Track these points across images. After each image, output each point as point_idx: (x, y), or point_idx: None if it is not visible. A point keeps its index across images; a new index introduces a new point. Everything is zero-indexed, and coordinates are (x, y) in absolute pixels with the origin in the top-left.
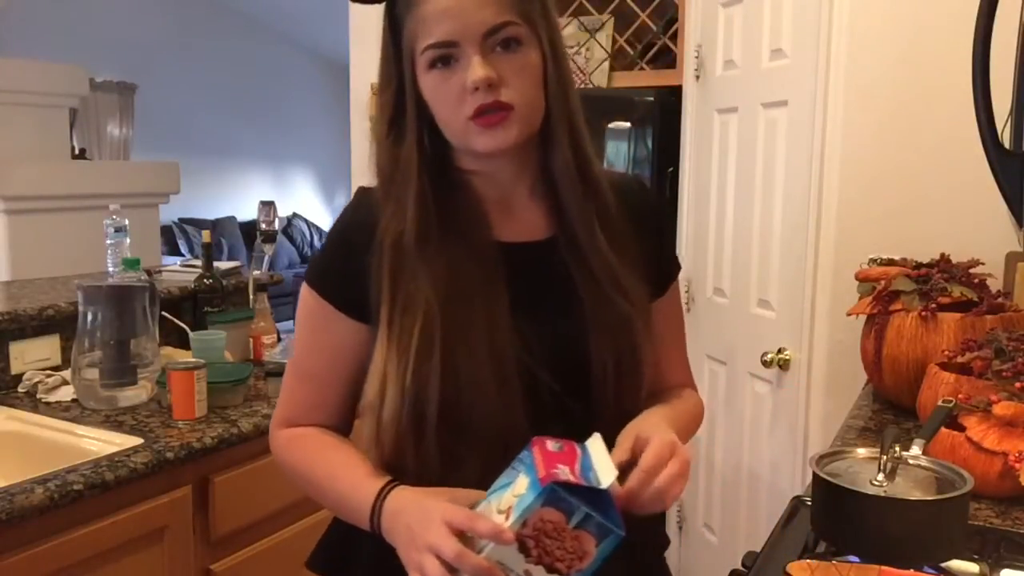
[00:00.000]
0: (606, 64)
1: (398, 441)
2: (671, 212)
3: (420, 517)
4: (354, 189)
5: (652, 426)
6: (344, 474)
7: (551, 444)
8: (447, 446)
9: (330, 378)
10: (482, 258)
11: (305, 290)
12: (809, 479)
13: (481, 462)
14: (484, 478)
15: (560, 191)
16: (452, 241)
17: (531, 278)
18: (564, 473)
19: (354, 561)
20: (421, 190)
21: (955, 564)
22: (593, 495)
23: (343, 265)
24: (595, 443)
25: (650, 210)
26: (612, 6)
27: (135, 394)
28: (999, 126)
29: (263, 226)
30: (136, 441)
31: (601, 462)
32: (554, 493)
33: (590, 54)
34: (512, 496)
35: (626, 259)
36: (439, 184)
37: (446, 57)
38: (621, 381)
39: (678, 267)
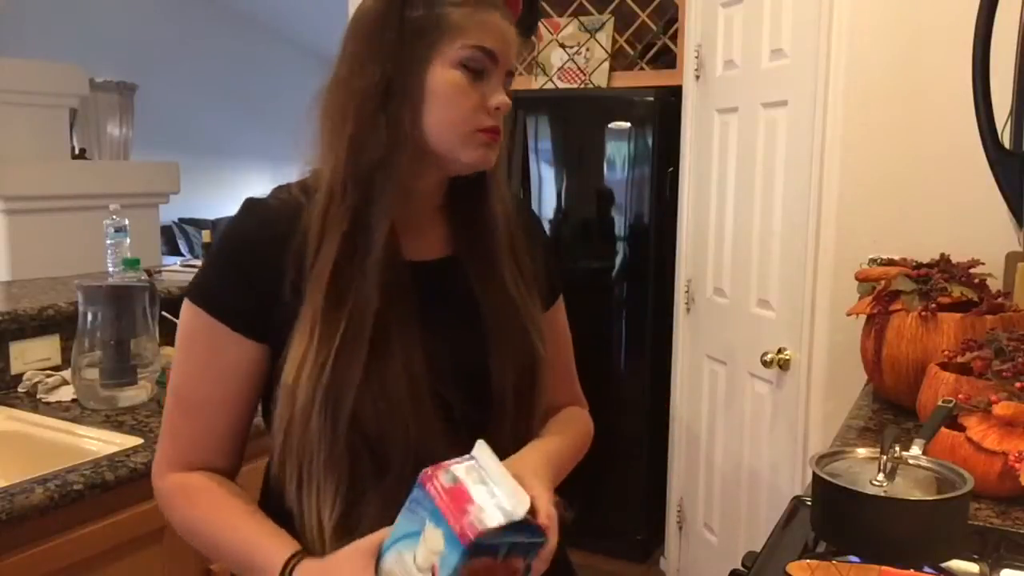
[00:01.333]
0: (606, 64)
1: (307, 433)
2: (671, 212)
3: None
4: None
5: (533, 475)
6: (246, 541)
7: (442, 478)
8: (357, 452)
9: (220, 407)
10: (398, 275)
11: (190, 310)
12: (809, 479)
13: (394, 478)
14: (396, 494)
15: (479, 212)
16: (383, 251)
17: (433, 296)
18: (478, 520)
19: None
20: (392, 192)
21: (955, 564)
22: (511, 524)
23: (239, 280)
24: (483, 453)
25: (537, 228)
26: (612, 6)
27: (135, 394)
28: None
29: None
30: (136, 441)
31: (500, 479)
32: (478, 547)
33: (590, 54)
34: (430, 552)
35: (525, 276)
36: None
37: (478, 66)
38: (521, 394)
39: (562, 284)
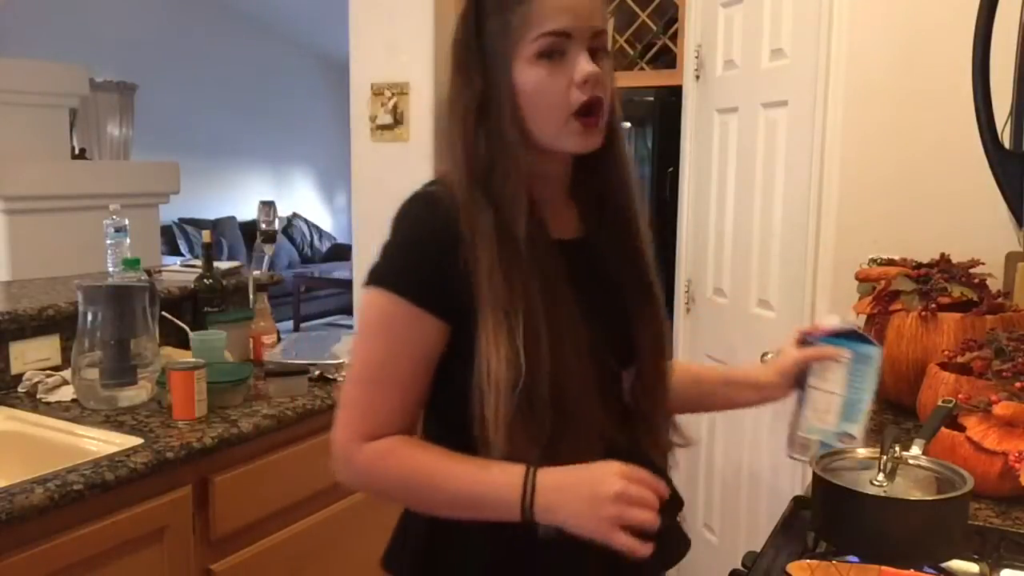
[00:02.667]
0: None
1: (511, 421)
2: (671, 212)
3: (594, 476)
4: (355, 189)
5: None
6: (469, 472)
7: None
8: (551, 426)
9: (414, 382)
10: (551, 255)
11: (382, 296)
12: (809, 479)
13: (574, 439)
14: (576, 455)
15: (610, 193)
16: (535, 236)
17: (579, 272)
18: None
19: (465, 566)
20: (519, 187)
21: (955, 564)
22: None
23: (430, 267)
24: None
25: None
26: (612, 6)
27: (135, 394)
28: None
29: (263, 226)
30: (136, 441)
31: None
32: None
33: None
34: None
35: (646, 252)
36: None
37: (555, 49)
38: (658, 357)
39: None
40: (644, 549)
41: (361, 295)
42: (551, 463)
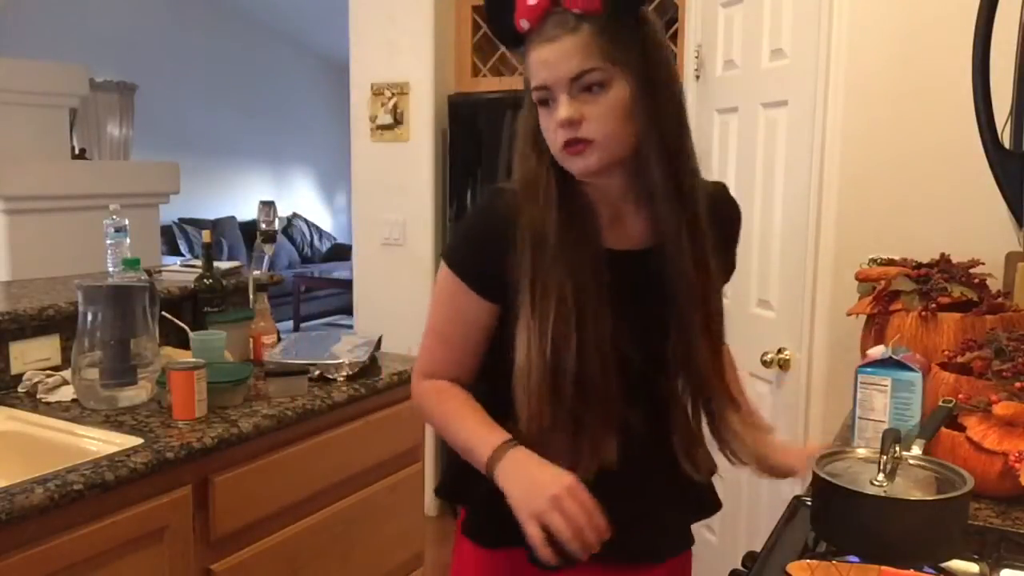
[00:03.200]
0: None
1: (540, 401)
2: None
3: (547, 475)
4: (355, 189)
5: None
6: (472, 424)
7: None
8: (572, 410)
9: (463, 343)
10: (594, 262)
11: (447, 271)
12: (809, 479)
13: (592, 419)
14: (593, 433)
15: (655, 206)
16: (574, 243)
17: (626, 281)
18: None
19: (474, 490)
20: (557, 201)
21: (955, 564)
22: None
23: (482, 255)
24: None
25: (732, 221)
26: None
27: (135, 394)
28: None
29: (263, 226)
30: (136, 441)
31: None
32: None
33: None
34: None
35: (708, 266)
36: (567, 194)
37: (545, 98)
38: (689, 366)
39: (734, 268)
40: (544, 552)
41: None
42: (572, 437)
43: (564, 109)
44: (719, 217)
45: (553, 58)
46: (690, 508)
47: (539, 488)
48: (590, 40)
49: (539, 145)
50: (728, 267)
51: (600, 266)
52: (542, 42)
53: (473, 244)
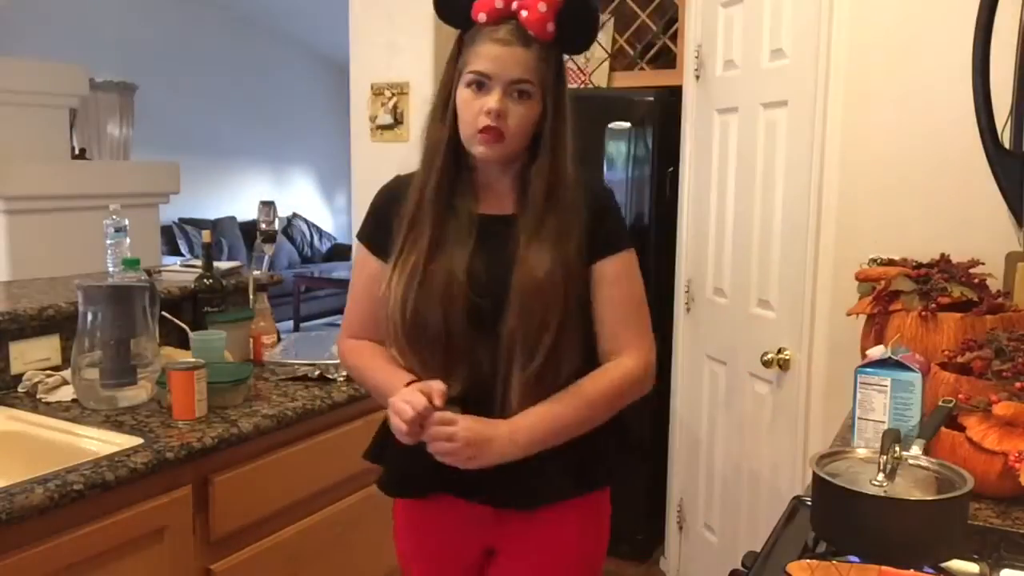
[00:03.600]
0: (606, 64)
1: (402, 337)
2: (671, 212)
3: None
4: (355, 189)
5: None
6: (384, 374)
7: None
8: (416, 330)
9: (369, 301)
10: (465, 222)
11: (356, 243)
12: (809, 479)
13: (444, 356)
14: (434, 360)
15: (530, 186)
16: (452, 205)
17: (489, 237)
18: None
19: (387, 451)
20: (444, 165)
21: (955, 564)
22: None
23: (376, 220)
24: None
25: (598, 204)
26: (612, 6)
27: (135, 394)
28: (999, 126)
29: (263, 226)
30: (136, 441)
31: None
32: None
33: (590, 54)
34: None
35: (565, 240)
36: (457, 164)
37: (480, 83)
38: (527, 317)
39: (625, 245)
40: (401, 430)
41: None
42: (438, 368)
43: (496, 101)
44: (588, 204)
45: (503, 58)
46: (565, 456)
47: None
48: (535, 59)
49: (447, 118)
50: (602, 240)
51: (468, 224)
52: (495, 41)
53: (371, 213)
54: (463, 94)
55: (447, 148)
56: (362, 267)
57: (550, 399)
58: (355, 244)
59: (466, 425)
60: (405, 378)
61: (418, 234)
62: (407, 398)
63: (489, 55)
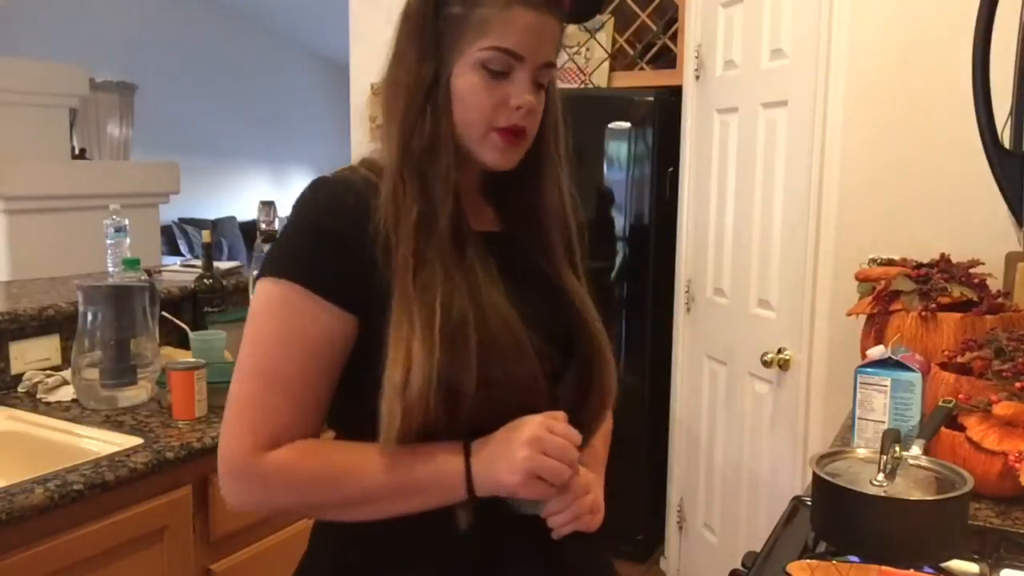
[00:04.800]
0: (606, 64)
1: (427, 420)
2: (671, 212)
3: (512, 425)
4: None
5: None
6: (401, 458)
7: None
8: (476, 421)
9: (313, 380)
10: (472, 243)
11: (276, 286)
12: (809, 479)
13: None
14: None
15: (533, 197)
16: (459, 223)
17: (503, 263)
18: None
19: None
20: (455, 178)
21: (955, 564)
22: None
23: (334, 254)
24: None
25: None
26: (612, 6)
27: (135, 394)
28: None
29: (263, 226)
30: (136, 441)
31: None
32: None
33: (590, 54)
34: None
35: (574, 263)
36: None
37: (503, 66)
38: (597, 354)
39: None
40: (549, 493)
41: (255, 289)
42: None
43: (530, 94)
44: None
45: (540, 32)
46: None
47: (509, 442)
48: (560, 36)
49: (437, 108)
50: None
51: (480, 247)
52: (529, 6)
53: (317, 242)
54: (470, 80)
55: (448, 149)
56: (302, 329)
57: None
58: (277, 292)
59: (589, 479)
60: (449, 444)
61: (432, 274)
62: (560, 431)
63: (524, 25)
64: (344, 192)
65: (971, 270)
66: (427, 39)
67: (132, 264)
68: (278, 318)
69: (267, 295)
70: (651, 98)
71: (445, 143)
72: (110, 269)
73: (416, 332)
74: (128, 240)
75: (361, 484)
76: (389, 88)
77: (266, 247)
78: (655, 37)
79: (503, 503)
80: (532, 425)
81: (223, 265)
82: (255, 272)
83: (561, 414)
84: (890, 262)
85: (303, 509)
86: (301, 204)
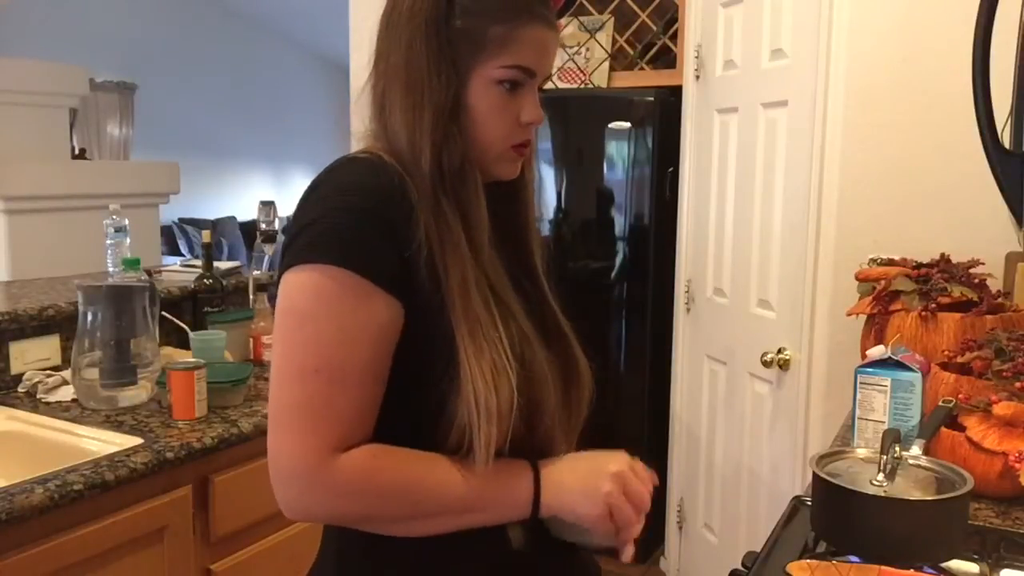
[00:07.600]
0: (606, 64)
1: (511, 438)
2: (671, 212)
3: (597, 456)
4: None
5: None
6: (471, 472)
7: None
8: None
9: (379, 375)
10: (492, 255)
11: (326, 274)
12: (809, 479)
13: (565, 442)
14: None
15: (514, 208)
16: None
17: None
18: None
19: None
20: (481, 195)
21: (955, 564)
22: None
23: (381, 238)
24: None
25: None
26: (612, 6)
27: (135, 394)
28: (999, 126)
29: (263, 226)
30: (136, 441)
31: None
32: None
33: (590, 54)
34: None
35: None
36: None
37: (517, 83)
38: (579, 362)
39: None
40: (611, 533)
41: (286, 281)
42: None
43: (539, 109)
44: None
45: (549, 47)
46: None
47: (594, 472)
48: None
49: (460, 125)
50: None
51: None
52: (545, 23)
53: (363, 225)
54: (489, 97)
55: (474, 166)
56: (357, 320)
57: None
58: (327, 279)
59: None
60: (519, 461)
61: (485, 296)
62: (643, 476)
63: (539, 42)
64: (384, 173)
65: (971, 270)
66: (443, 47)
67: (132, 264)
68: (330, 310)
69: (316, 285)
70: (651, 98)
71: (470, 163)
72: (110, 269)
73: (497, 354)
74: (128, 240)
75: (437, 495)
76: (402, 101)
77: (266, 247)
78: (655, 37)
79: (544, 523)
80: (619, 461)
81: (223, 265)
82: (255, 272)
83: (643, 470)
84: (890, 262)
85: (365, 519)
86: (337, 185)
